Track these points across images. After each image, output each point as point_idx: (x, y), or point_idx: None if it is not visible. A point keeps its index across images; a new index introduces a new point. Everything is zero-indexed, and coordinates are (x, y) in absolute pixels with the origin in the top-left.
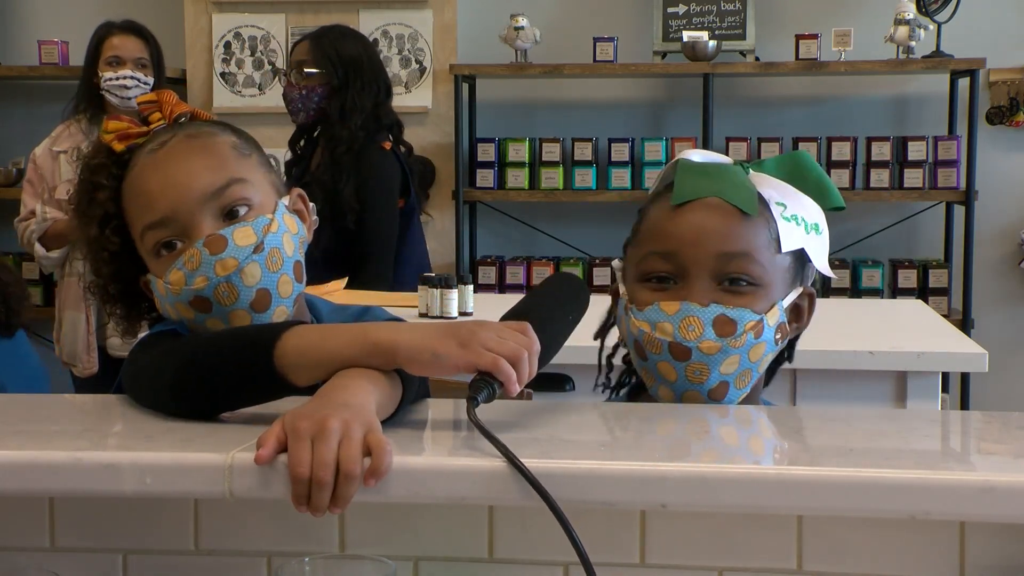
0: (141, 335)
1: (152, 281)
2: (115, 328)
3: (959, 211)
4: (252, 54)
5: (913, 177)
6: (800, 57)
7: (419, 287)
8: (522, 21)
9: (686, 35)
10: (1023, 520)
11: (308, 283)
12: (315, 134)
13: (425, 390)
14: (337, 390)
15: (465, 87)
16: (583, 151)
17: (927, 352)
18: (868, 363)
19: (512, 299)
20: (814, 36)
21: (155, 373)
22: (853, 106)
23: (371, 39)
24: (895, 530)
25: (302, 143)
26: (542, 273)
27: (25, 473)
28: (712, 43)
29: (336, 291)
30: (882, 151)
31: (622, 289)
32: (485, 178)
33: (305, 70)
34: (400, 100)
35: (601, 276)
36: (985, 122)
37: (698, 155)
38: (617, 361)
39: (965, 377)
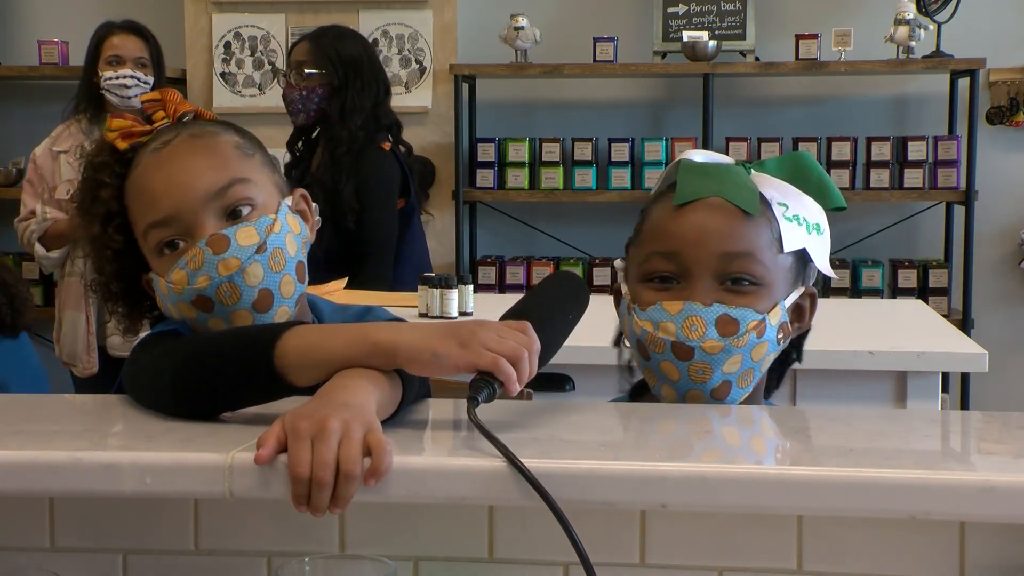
0: (142, 335)
1: (154, 280)
2: (116, 326)
3: (959, 211)
4: (252, 54)
5: (913, 177)
6: (800, 57)
7: (419, 287)
8: (522, 21)
9: (686, 35)
10: (1023, 520)
11: (310, 283)
12: (313, 135)
13: (426, 390)
14: (337, 390)
15: (465, 87)
16: (583, 151)
17: (927, 352)
18: (868, 363)
19: (512, 299)
20: (814, 36)
21: (155, 373)
22: (853, 106)
23: (371, 39)
24: (895, 530)
25: (300, 145)
26: (542, 273)
27: (25, 473)
28: (712, 43)
29: (336, 291)
30: (882, 151)
31: (624, 289)
32: (485, 178)
33: (305, 71)
34: (400, 100)
35: (601, 276)
36: (985, 122)
37: (700, 155)
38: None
39: (965, 377)
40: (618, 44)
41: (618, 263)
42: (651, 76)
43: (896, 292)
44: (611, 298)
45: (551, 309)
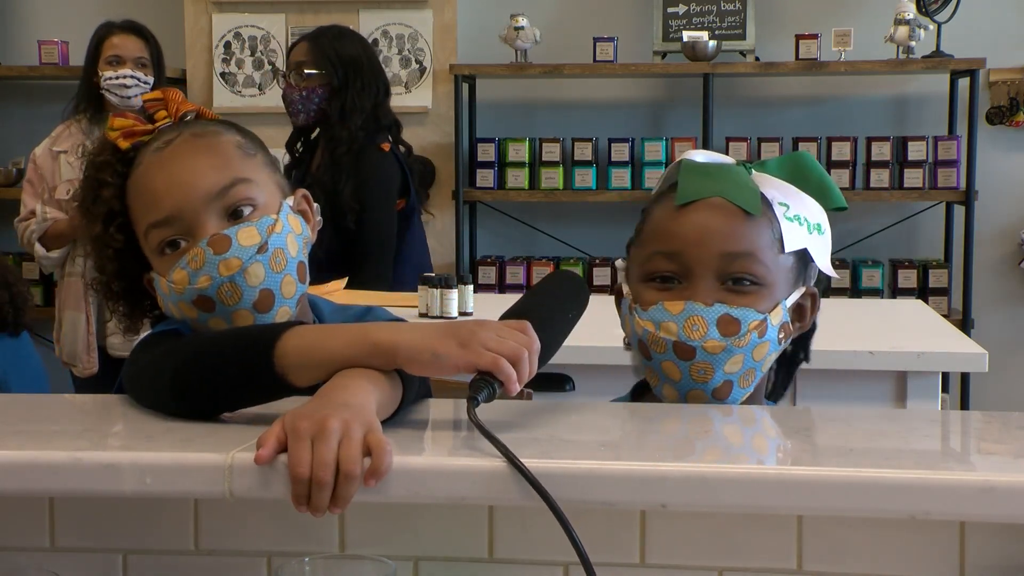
0: (143, 334)
1: (155, 279)
2: (117, 325)
3: (959, 211)
4: (252, 54)
5: (913, 177)
6: (800, 57)
7: (419, 287)
8: (522, 21)
9: (686, 35)
10: (1023, 520)
11: (310, 283)
12: (313, 136)
13: (427, 390)
14: (337, 390)
15: (465, 87)
16: (583, 151)
17: (927, 352)
18: (868, 363)
19: (512, 299)
20: (814, 36)
21: (156, 373)
22: (853, 106)
23: (371, 39)
24: (895, 530)
25: (299, 146)
26: (542, 273)
27: (25, 473)
28: (712, 43)
29: (336, 291)
30: (882, 151)
31: (626, 289)
32: (485, 178)
33: (305, 71)
34: (400, 100)
35: (601, 276)
36: (985, 122)
37: (701, 155)
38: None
39: (965, 377)
40: (618, 44)
41: (619, 263)
42: (651, 76)
43: (896, 292)
44: (611, 298)
45: (551, 309)
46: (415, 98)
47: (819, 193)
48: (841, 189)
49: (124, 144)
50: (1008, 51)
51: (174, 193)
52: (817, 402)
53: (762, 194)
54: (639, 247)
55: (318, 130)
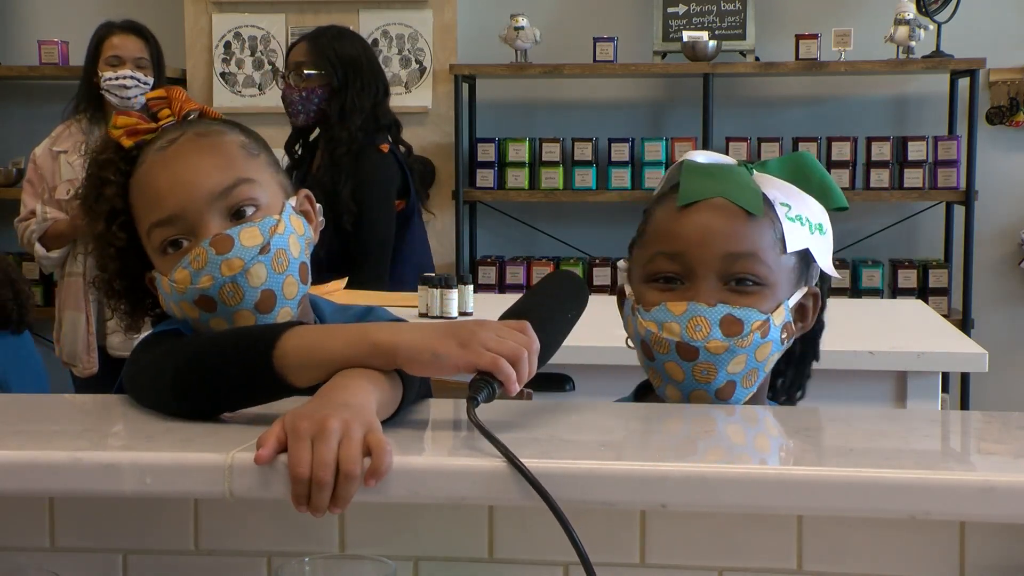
0: (143, 333)
1: (157, 278)
2: (118, 324)
3: (959, 211)
4: (252, 54)
5: (913, 177)
6: (800, 57)
7: (419, 287)
8: (522, 21)
9: (686, 35)
10: (1023, 520)
11: (311, 283)
12: (312, 137)
13: (426, 390)
14: (337, 390)
15: (465, 87)
16: (583, 151)
17: (927, 352)
18: (868, 363)
19: (512, 299)
20: (814, 36)
21: (156, 373)
22: (853, 106)
23: (371, 39)
24: (895, 530)
25: (298, 147)
26: (542, 273)
27: (25, 473)
28: (712, 43)
29: (336, 291)
30: (882, 151)
31: (628, 289)
32: (485, 178)
33: (304, 71)
34: (400, 100)
35: (601, 276)
36: (985, 122)
37: (703, 156)
38: None
39: (965, 377)
40: (618, 44)
41: (621, 264)
42: (651, 76)
43: (896, 292)
44: (611, 298)
45: (551, 309)
46: (415, 98)
47: (820, 193)
48: (841, 189)
49: (127, 142)
50: (1008, 51)
51: (177, 192)
52: (817, 402)
53: (764, 194)
54: (641, 248)
55: (317, 131)
